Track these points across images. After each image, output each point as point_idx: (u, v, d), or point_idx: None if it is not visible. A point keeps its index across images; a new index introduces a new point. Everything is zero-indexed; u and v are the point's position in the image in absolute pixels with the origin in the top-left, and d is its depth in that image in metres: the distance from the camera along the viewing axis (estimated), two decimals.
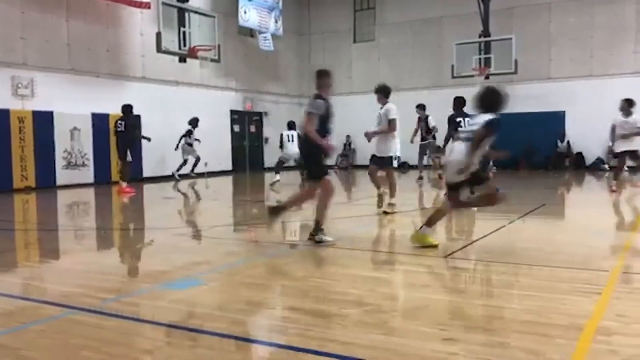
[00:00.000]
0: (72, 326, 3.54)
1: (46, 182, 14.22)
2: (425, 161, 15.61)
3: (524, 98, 19.58)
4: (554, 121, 19.29)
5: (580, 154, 19.15)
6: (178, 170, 16.91)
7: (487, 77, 18.95)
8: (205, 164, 17.73)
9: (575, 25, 19.04)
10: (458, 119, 9.78)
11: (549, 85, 19.27)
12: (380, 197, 8.48)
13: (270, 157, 22.01)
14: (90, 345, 3.14)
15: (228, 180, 17.68)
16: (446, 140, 10.62)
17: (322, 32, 23.79)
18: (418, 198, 11.71)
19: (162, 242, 6.87)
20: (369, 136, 8.38)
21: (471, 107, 6.17)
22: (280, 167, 14.46)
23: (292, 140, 13.95)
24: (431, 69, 21.09)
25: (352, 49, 23.44)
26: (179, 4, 16.04)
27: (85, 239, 7.49)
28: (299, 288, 4.41)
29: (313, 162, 6.11)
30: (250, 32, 20.47)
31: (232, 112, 20.65)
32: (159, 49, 15.34)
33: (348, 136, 22.55)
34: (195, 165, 17.13)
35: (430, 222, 5.63)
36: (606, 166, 18.32)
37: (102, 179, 15.37)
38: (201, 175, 17.58)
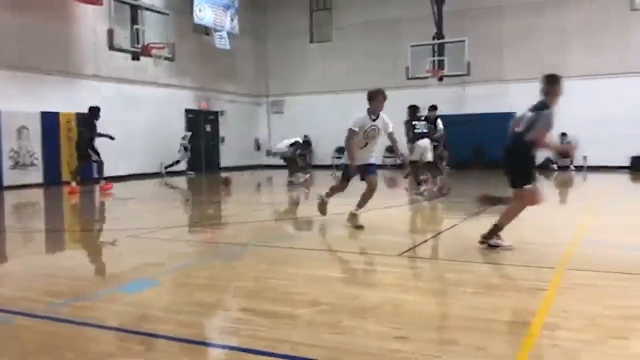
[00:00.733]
0: (23, 332, 3.43)
1: None
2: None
3: (477, 99, 20.10)
4: (506, 122, 19.75)
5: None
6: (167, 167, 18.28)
7: (440, 79, 19.34)
8: (162, 164, 17.47)
9: (525, 29, 19.57)
10: (414, 123, 11.41)
11: (500, 87, 19.75)
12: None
13: (227, 156, 21.87)
14: (44, 351, 3.06)
15: (183, 180, 17.45)
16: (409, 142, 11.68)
17: (279, 32, 23.74)
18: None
19: (114, 243, 6.74)
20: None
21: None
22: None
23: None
24: (387, 70, 21.30)
25: (309, 50, 23.48)
26: (131, 1, 15.73)
27: (34, 242, 7.26)
28: (252, 289, 4.40)
29: (523, 170, 5.58)
30: (206, 31, 20.25)
31: (188, 111, 20.38)
32: (111, 47, 15.02)
33: (306, 136, 22.58)
34: (171, 165, 18.37)
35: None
36: (555, 165, 18.95)
37: (52, 180, 14.91)
38: (160, 175, 17.36)
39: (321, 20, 23.42)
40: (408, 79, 19.33)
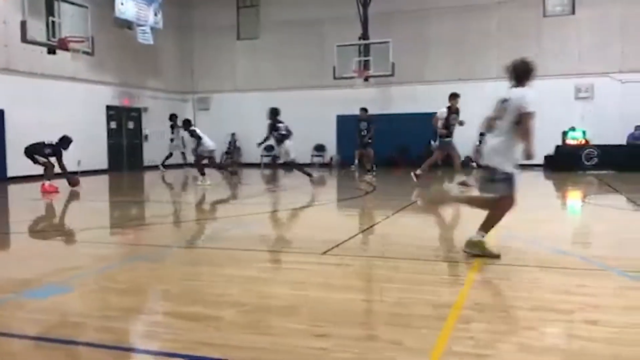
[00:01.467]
0: None
1: None
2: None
3: (401, 99, 20.60)
4: (429, 122, 20.38)
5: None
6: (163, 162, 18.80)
7: (366, 79, 19.64)
8: (79, 163, 16.70)
9: (448, 31, 20.24)
10: (279, 125, 12.49)
11: (423, 87, 20.32)
12: None
13: (150, 154, 21.26)
14: None
15: (104, 180, 16.82)
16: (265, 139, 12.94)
17: (205, 27, 23.33)
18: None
19: (25, 247, 6.40)
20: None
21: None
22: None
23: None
24: (313, 69, 21.44)
25: (236, 46, 23.24)
26: None
27: None
28: (173, 291, 4.31)
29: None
30: (128, 25, 19.58)
31: (108, 107, 19.64)
32: (23, 39, 14.23)
33: (233, 134, 22.34)
34: (166, 158, 19.00)
35: None
36: (474, 164, 19.72)
37: None
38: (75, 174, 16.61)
39: (248, 17, 23.22)
40: (335, 78, 19.52)
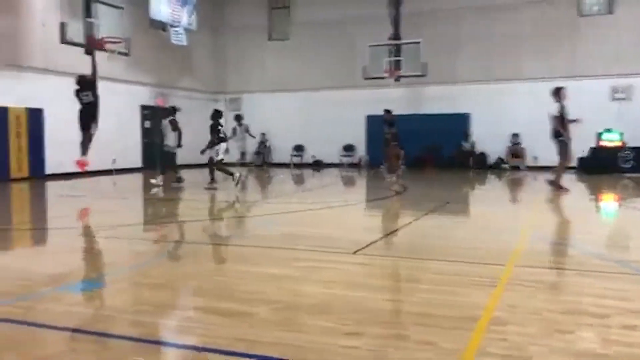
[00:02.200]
0: None
1: None
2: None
3: (433, 99, 20.48)
4: (460, 122, 20.23)
5: (483, 154, 20.19)
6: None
7: (397, 79, 19.56)
8: (113, 161, 17.09)
9: (479, 32, 20.02)
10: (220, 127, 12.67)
11: (455, 88, 20.15)
12: None
13: (182, 153, 21.47)
14: None
15: (138, 178, 17.12)
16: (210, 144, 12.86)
17: (237, 29, 23.57)
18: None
19: (63, 242, 6.56)
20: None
21: None
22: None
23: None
24: (343, 69, 21.45)
25: (267, 47, 23.39)
26: None
27: None
28: (206, 287, 4.37)
29: None
30: (163, 26, 19.88)
31: (143, 107, 19.99)
32: (63, 40, 14.58)
33: (263, 134, 22.48)
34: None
35: None
36: (506, 165, 19.48)
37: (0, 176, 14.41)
38: (110, 172, 16.97)
39: (280, 18, 23.36)
40: (365, 78, 19.49)
